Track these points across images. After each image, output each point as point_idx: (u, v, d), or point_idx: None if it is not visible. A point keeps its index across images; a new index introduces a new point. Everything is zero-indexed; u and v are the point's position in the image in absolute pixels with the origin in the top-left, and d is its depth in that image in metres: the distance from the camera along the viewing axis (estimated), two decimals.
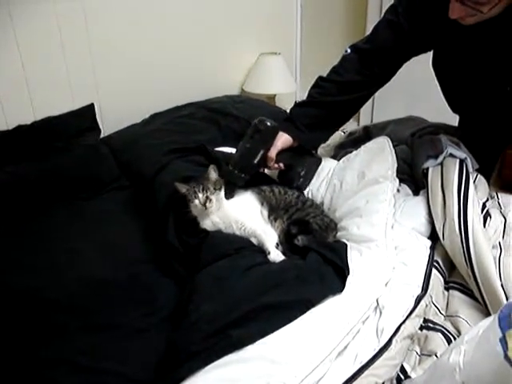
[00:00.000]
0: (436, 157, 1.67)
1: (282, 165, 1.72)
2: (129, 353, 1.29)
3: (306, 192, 1.80)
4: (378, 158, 1.68)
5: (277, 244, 1.51)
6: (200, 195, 1.52)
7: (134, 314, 1.40)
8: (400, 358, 1.20)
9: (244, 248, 1.47)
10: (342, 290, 1.28)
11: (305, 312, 1.22)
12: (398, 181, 1.63)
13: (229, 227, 1.56)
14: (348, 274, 1.32)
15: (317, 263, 1.37)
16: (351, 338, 1.19)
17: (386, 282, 1.36)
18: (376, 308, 1.29)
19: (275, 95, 3.17)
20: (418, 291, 1.35)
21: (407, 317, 1.26)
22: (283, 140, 1.69)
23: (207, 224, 1.56)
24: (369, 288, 1.33)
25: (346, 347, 1.17)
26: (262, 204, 1.61)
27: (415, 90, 3.16)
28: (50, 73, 2.32)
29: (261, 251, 1.49)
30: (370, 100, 3.00)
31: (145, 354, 1.28)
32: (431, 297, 1.38)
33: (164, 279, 1.55)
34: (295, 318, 1.20)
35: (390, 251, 1.44)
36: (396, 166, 1.65)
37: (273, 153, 1.67)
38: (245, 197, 1.64)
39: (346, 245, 1.45)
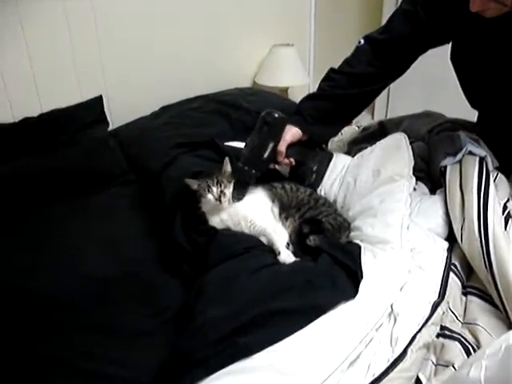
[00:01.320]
0: (454, 154, 1.59)
1: (292, 160, 1.66)
2: (131, 356, 1.25)
3: (318, 190, 1.74)
4: (394, 156, 1.62)
5: (287, 244, 1.46)
6: (214, 189, 1.47)
7: (137, 315, 1.36)
8: (415, 370, 1.14)
9: (253, 247, 1.43)
10: (354, 296, 1.23)
11: (315, 319, 1.16)
12: (414, 179, 1.57)
13: (237, 225, 1.51)
14: (361, 278, 1.26)
15: (329, 266, 1.32)
16: (364, 347, 1.14)
17: (401, 287, 1.30)
18: (390, 314, 1.24)
19: (288, 88, 3.13)
20: (435, 297, 1.28)
21: (423, 325, 1.19)
22: (292, 133, 1.64)
23: (216, 221, 1.51)
24: (383, 293, 1.27)
25: (358, 357, 1.12)
26: (273, 201, 1.56)
27: (432, 83, 3.08)
28: (57, 65, 2.29)
29: (271, 251, 1.43)
30: (385, 93, 2.95)
31: (147, 357, 1.24)
32: (448, 303, 1.31)
33: (170, 279, 1.50)
34: (305, 324, 1.14)
35: (406, 254, 1.38)
36: (413, 163, 1.59)
37: (282, 146, 1.61)
38: (255, 193, 1.58)
39: (360, 247, 1.39)
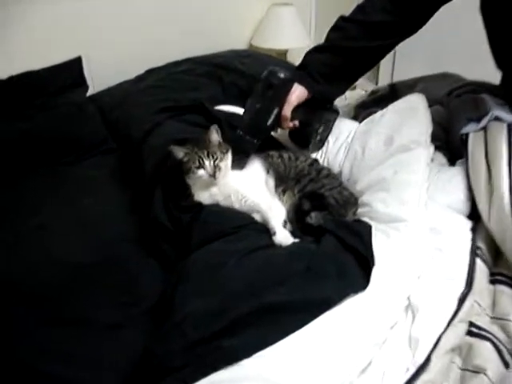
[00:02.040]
0: (478, 120, 1.43)
1: (297, 123, 1.54)
2: (100, 355, 1.10)
3: (321, 159, 1.60)
4: (410, 120, 1.45)
5: (284, 222, 1.32)
6: (207, 163, 1.30)
7: (110, 306, 1.22)
8: (440, 380, 0.94)
9: (244, 226, 1.27)
10: (365, 287, 1.04)
11: (317, 316, 0.98)
12: (433, 147, 1.42)
13: (227, 199, 1.36)
14: (373, 264, 1.07)
15: (334, 250, 1.13)
16: (377, 350, 0.94)
17: (419, 275, 1.13)
18: (407, 308, 1.06)
19: (287, 50, 2.98)
20: (461, 287, 1.10)
21: (449, 323, 1.00)
22: (298, 94, 1.50)
23: (203, 196, 1.36)
24: (398, 282, 1.10)
25: (370, 363, 0.94)
26: (268, 172, 1.42)
27: (441, 47, 2.88)
28: (31, 20, 2.12)
29: (265, 230, 1.28)
30: (390, 57, 2.73)
31: (119, 357, 1.09)
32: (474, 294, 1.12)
33: (149, 262, 1.36)
34: (305, 324, 0.97)
35: (424, 234, 1.23)
36: (431, 129, 1.43)
37: (287, 111, 1.49)
38: (247, 163, 1.44)
39: (371, 226, 1.21)
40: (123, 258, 1.37)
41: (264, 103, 1.47)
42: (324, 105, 1.63)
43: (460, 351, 1.03)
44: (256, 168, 1.43)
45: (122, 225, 1.52)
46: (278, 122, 1.51)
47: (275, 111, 1.47)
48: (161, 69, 2.35)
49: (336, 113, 1.66)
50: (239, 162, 1.41)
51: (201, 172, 1.30)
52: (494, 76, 1.62)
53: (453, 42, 2.48)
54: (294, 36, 2.88)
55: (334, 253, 1.12)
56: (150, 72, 2.33)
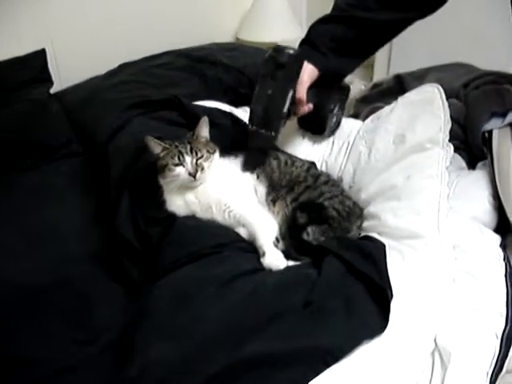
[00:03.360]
0: (504, 114, 1.34)
1: (311, 105, 1.40)
2: None
3: (318, 163, 1.44)
4: (425, 115, 1.30)
5: (276, 239, 1.15)
6: (188, 160, 1.17)
7: (59, 343, 1.05)
8: None
9: (225, 245, 1.10)
10: (383, 329, 0.81)
11: (320, 372, 0.76)
12: (452, 148, 1.24)
13: (207, 210, 1.21)
14: (391, 297, 0.84)
15: (340, 277, 0.92)
16: None
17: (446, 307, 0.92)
18: (433, 353, 0.83)
19: (277, 44, 2.71)
20: (502, 323, 0.88)
21: (494, 373, 0.77)
22: (309, 72, 1.36)
23: (177, 204, 1.22)
24: (421, 319, 0.89)
25: None
26: (258, 177, 1.28)
27: (441, 38, 2.75)
28: None
29: (251, 250, 1.12)
30: (386, 50, 2.72)
31: None
32: None
33: (111, 286, 1.21)
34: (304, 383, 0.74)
35: (447, 253, 1.04)
36: (450, 125, 1.26)
37: (302, 92, 1.34)
38: (232, 165, 1.30)
39: (384, 246, 1.01)
40: (79, 281, 1.20)
41: (276, 87, 1.31)
42: (334, 83, 1.51)
43: None
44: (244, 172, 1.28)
45: (82, 240, 1.36)
46: (294, 107, 1.38)
47: (289, 94, 1.33)
48: (135, 63, 2.17)
49: (347, 89, 1.56)
50: (255, 162, 1.30)
51: (179, 169, 1.16)
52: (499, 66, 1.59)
53: (453, 35, 2.37)
54: (285, 27, 2.74)
55: (339, 281, 0.90)
56: (124, 66, 2.15)
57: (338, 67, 1.45)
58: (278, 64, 1.29)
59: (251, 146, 1.32)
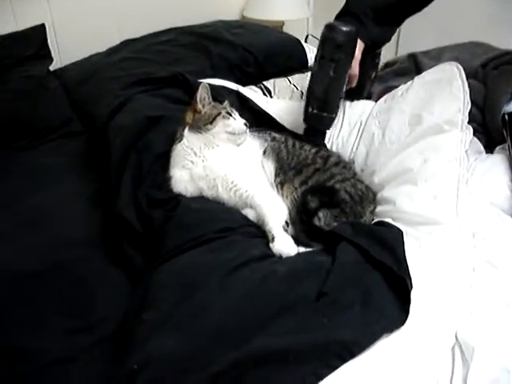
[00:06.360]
0: None
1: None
2: None
3: (328, 145, 1.38)
4: (443, 95, 1.24)
5: (286, 223, 1.07)
6: (237, 114, 1.23)
7: (57, 332, 0.99)
8: None
9: (232, 229, 1.04)
10: (402, 322, 0.76)
11: (335, 369, 0.71)
12: (471, 130, 1.19)
13: (213, 187, 1.15)
14: (411, 288, 0.79)
15: (356, 266, 0.85)
16: None
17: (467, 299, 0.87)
18: (453, 348, 0.78)
19: (283, 23, 2.77)
20: None
21: None
22: (359, 47, 1.38)
23: (184, 180, 1.17)
24: (440, 311, 0.83)
25: None
26: (264, 153, 1.22)
27: (449, 21, 2.64)
28: None
29: (259, 235, 1.05)
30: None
31: None
32: None
33: (112, 272, 1.15)
34: (317, 380, 0.69)
35: (466, 241, 0.98)
36: (470, 106, 1.21)
37: (357, 68, 1.38)
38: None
39: (402, 232, 0.95)
40: (76, 266, 1.15)
41: (339, 69, 1.31)
42: (373, 51, 1.51)
43: None
44: (252, 146, 1.23)
45: (82, 223, 1.31)
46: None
47: (347, 74, 1.35)
48: (138, 40, 2.14)
49: (379, 54, 1.55)
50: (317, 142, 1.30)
51: (232, 120, 1.20)
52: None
53: (461, 17, 2.31)
54: (292, 6, 2.70)
55: (355, 270, 0.85)
56: (126, 43, 2.12)
57: (379, 37, 1.45)
58: (336, 44, 1.29)
59: (310, 128, 1.33)
